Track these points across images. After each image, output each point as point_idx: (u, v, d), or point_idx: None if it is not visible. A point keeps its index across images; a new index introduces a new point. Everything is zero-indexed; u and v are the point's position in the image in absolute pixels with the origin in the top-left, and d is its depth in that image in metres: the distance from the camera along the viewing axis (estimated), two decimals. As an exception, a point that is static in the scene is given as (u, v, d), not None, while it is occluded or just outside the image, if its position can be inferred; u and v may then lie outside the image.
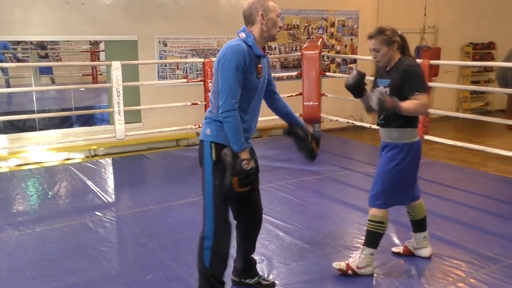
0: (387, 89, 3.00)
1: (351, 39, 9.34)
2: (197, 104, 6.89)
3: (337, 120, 7.87)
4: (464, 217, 4.25)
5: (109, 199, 4.84)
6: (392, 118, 2.99)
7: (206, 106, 6.88)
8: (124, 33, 7.35)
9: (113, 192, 5.14)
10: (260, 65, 2.62)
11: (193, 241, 3.72)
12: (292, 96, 7.64)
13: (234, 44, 2.56)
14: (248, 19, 2.64)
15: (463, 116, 7.27)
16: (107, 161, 6.42)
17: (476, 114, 9.23)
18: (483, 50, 10.63)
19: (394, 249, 3.49)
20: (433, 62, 6.29)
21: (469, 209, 4.49)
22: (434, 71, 7.48)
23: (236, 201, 2.78)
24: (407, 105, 2.86)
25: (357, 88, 3.08)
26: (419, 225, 3.36)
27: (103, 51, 8.42)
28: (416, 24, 9.26)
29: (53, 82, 9.41)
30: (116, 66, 6.06)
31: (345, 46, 9.29)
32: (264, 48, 2.67)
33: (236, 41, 2.60)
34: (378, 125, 3.18)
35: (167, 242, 3.75)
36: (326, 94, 7.74)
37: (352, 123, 7.95)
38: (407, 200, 3.24)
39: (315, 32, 8.93)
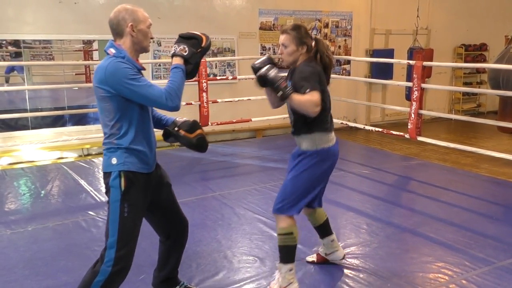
0: None
1: (345, 40, 9.37)
2: (191, 104, 6.88)
3: (330, 120, 7.88)
4: (456, 218, 4.28)
5: (102, 199, 4.83)
6: (299, 126, 2.86)
7: (200, 106, 6.90)
8: (118, 32, 7.31)
9: (106, 192, 5.12)
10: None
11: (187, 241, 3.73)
12: (285, 96, 7.66)
13: (111, 61, 2.33)
14: (116, 31, 2.45)
15: (456, 118, 7.33)
16: (100, 160, 6.38)
17: (468, 115, 9.30)
18: (475, 52, 10.70)
19: (308, 258, 3.38)
20: (426, 63, 6.32)
21: (461, 211, 4.52)
22: (427, 72, 7.53)
23: (156, 219, 2.70)
24: (297, 96, 2.68)
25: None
26: (323, 230, 3.23)
27: (96, 50, 8.39)
28: (409, 25, 9.32)
29: (6, 81, 9.22)
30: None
31: (339, 47, 9.32)
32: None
33: (106, 59, 2.37)
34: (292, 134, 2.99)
35: (160, 242, 3.74)
36: (319, 94, 7.75)
37: (346, 124, 7.97)
38: (313, 204, 3.01)
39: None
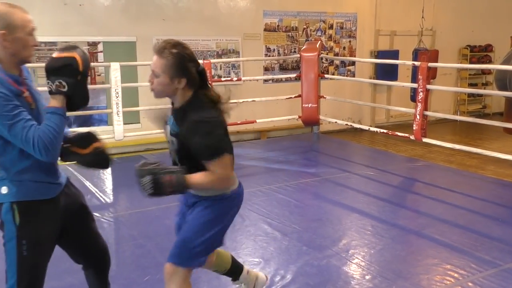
0: (174, 139, 2.20)
1: (350, 41, 9.35)
2: (195, 105, 6.88)
3: (335, 122, 7.88)
4: (462, 220, 4.26)
5: (107, 200, 4.84)
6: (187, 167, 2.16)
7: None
8: (122, 34, 7.34)
9: (111, 193, 5.13)
10: (27, 95, 2.00)
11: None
12: (291, 98, 7.65)
13: None
14: None
15: (461, 119, 7.29)
16: (105, 162, 6.41)
17: (473, 117, 9.25)
18: (480, 53, 10.66)
19: None
20: (431, 64, 6.30)
21: (466, 212, 4.50)
22: (432, 73, 7.50)
23: (68, 248, 2.35)
24: (199, 179, 2.10)
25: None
26: (233, 271, 2.77)
27: (101, 52, 8.43)
28: (414, 27, 9.30)
29: None
30: (115, 67, 6.06)
31: (344, 48, 9.30)
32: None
33: None
34: None
35: (165, 244, 3.74)
36: (324, 96, 7.75)
37: (351, 125, 7.96)
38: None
39: (314, 34, 8.93)
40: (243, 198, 2.41)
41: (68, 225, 2.21)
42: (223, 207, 2.31)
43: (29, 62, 2.08)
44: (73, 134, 2.27)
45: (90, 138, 2.25)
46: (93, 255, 2.40)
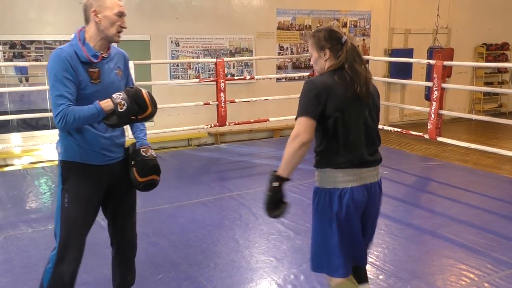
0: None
1: (363, 40, 9.29)
2: (209, 104, 6.90)
3: (348, 121, 7.83)
4: (477, 220, 4.21)
5: (121, 198, 4.86)
6: (315, 154, 2.26)
7: (218, 106, 6.90)
8: (136, 32, 7.37)
9: (125, 191, 5.16)
10: (94, 70, 2.29)
11: (204, 241, 3.74)
12: (303, 96, 7.63)
13: (58, 49, 2.27)
14: (85, 16, 2.36)
15: (476, 118, 7.20)
16: (119, 160, 6.45)
17: (489, 115, 9.14)
18: (496, 51, 10.53)
19: None
20: (446, 63, 6.23)
21: (482, 212, 4.44)
22: (447, 72, 7.42)
23: (107, 220, 2.62)
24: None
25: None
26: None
27: (115, 50, 8.45)
28: (429, 25, 9.21)
29: (26, 81, 9.35)
30: (129, 66, 6.09)
31: (357, 46, 9.25)
32: (108, 48, 2.39)
33: (67, 44, 2.32)
34: None
35: (178, 242, 3.76)
36: (337, 94, 7.70)
37: (364, 124, 7.90)
38: (334, 271, 2.26)
39: (327, 33, 8.90)
40: (360, 205, 2.24)
41: (110, 199, 2.48)
42: (317, 202, 2.27)
43: (114, 41, 2.37)
44: (143, 156, 2.49)
45: (153, 170, 2.48)
46: (118, 238, 2.63)
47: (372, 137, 2.28)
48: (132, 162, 2.46)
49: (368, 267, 3.31)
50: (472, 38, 10.31)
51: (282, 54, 8.57)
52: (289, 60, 8.71)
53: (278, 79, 8.50)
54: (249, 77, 7.86)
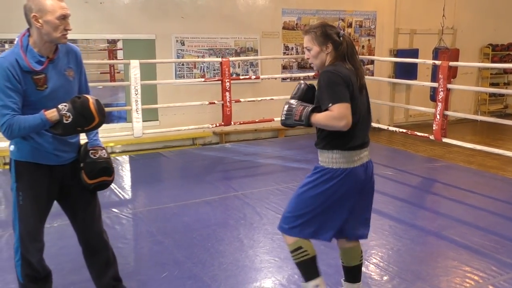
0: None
1: (369, 40, 9.28)
2: (214, 103, 6.91)
3: (353, 121, 7.82)
4: (482, 222, 4.20)
5: (126, 196, 4.88)
6: (318, 138, 2.49)
7: (223, 106, 6.91)
8: (142, 32, 7.40)
9: (130, 190, 5.18)
10: (39, 77, 2.24)
11: (209, 239, 3.75)
12: (308, 96, 7.62)
13: (1, 56, 2.23)
14: (26, 20, 2.25)
15: (482, 119, 7.18)
16: (124, 159, 6.48)
17: (494, 117, 9.11)
18: (502, 52, 10.48)
19: None
20: (451, 63, 6.21)
21: (487, 214, 4.43)
22: (453, 72, 7.40)
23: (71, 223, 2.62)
24: (319, 117, 2.34)
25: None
26: (349, 274, 2.77)
27: (121, 49, 8.50)
28: (434, 25, 9.18)
29: None
30: (135, 65, 6.11)
31: (362, 47, 9.24)
32: (56, 49, 2.31)
33: (9, 51, 2.27)
34: None
35: (183, 240, 3.77)
36: (342, 95, 7.69)
37: (369, 124, 7.89)
38: (326, 235, 2.54)
39: (333, 33, 8.89)
40: (360, 181, 2.49)
41: (66, 195, 2.51)
42: (325, 179, 2.48)
43: (61, 42, 2.28)
44: (92, 158, 2.47)
45: (101, 172, 2.47)
46: (86, 240, 2.62)
47: (369, 121, 2.55)
48: (81, 165, 2.47)
49: (372, 268, 3.32)
50: (478, 39, 10.28)
51: (287, 54, 8.57)
52: (294, 60, 8.71)
53: (283, 79, 8.50)
54: (254, 76, 7.86)
